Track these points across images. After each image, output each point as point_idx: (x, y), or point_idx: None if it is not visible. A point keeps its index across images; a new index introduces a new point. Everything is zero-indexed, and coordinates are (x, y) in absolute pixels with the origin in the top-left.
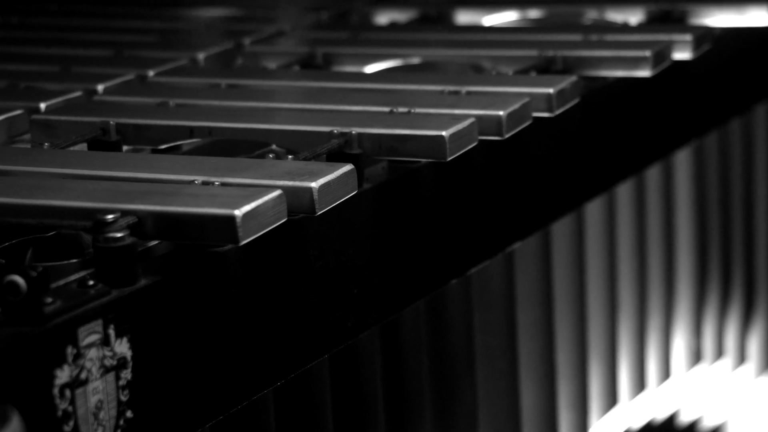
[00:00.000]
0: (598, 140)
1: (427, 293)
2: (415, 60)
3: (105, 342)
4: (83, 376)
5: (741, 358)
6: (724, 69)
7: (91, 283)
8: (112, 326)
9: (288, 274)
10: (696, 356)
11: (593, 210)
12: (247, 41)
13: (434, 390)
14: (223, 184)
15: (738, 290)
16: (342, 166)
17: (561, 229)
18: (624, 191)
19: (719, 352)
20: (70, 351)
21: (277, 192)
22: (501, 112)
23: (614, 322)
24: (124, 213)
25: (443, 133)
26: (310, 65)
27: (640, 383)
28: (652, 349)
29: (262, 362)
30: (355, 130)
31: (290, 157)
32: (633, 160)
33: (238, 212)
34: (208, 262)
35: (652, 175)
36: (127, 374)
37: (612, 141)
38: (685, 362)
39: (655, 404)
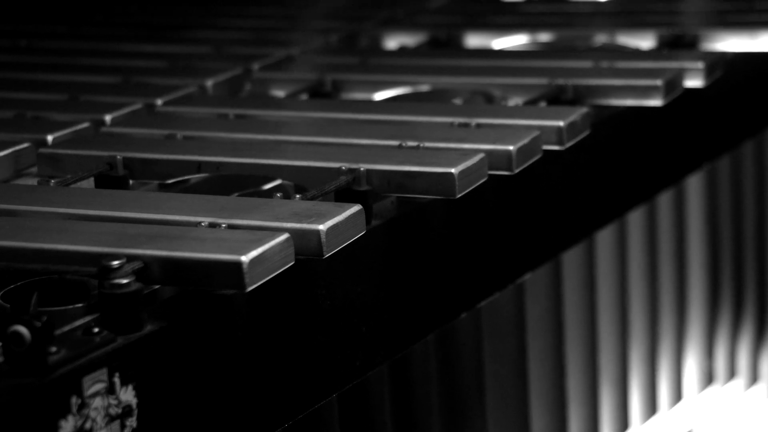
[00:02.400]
0: (609, 168)
1: (437, 328)
2: (425, 87)
3: (110, 390)
4: (88, 425)
5: (753, 378)
6: (736, 93)
7: (96, 330)
8: (117, 374)
9: (295, 314)
10: (708, 378)
11: (604, 238)
12: (255, 67)
13: (444, 424)
14: (229, 226)
15: (750, 311)
16: (350, 207)
17: (572, 259)
18: (635, 218)
19: (731, 374)
20: (74, 401)
21: (284, 236)
22: (511, 147)
23: (625, 345)
24: (130, 258)
25: (452, 170)
26: (318, 92)
27: (652, 406)
28: (663, 371)
29: (269, 404)
30: (363, 167)
31: (298, 196)
32: (644, 187)
33: (245, 258)
34: (214, 306)
35: (664, 200)
36: (132, 422)
37: (622, 168)
38: (697, 384)
39: (667, 427)
